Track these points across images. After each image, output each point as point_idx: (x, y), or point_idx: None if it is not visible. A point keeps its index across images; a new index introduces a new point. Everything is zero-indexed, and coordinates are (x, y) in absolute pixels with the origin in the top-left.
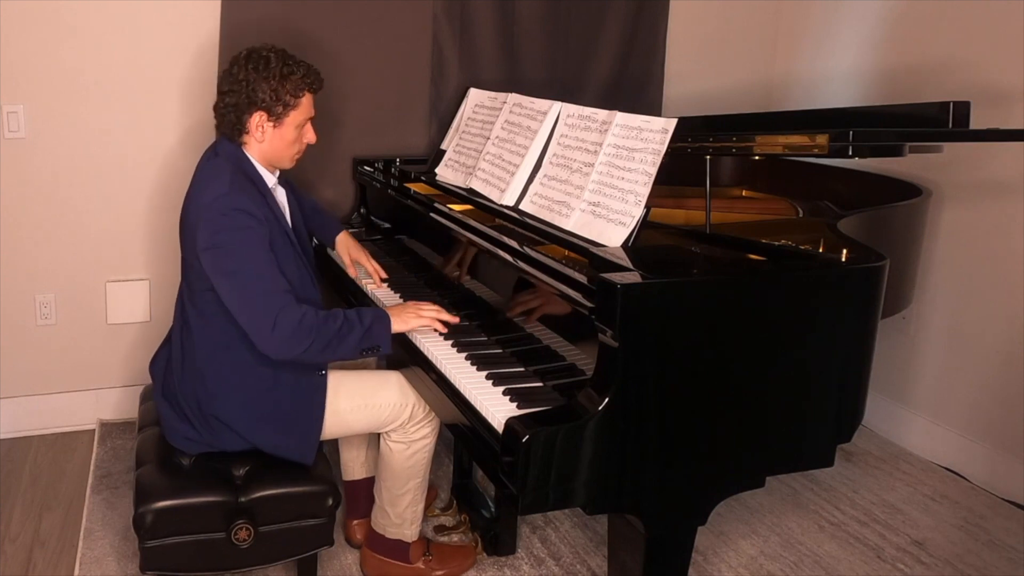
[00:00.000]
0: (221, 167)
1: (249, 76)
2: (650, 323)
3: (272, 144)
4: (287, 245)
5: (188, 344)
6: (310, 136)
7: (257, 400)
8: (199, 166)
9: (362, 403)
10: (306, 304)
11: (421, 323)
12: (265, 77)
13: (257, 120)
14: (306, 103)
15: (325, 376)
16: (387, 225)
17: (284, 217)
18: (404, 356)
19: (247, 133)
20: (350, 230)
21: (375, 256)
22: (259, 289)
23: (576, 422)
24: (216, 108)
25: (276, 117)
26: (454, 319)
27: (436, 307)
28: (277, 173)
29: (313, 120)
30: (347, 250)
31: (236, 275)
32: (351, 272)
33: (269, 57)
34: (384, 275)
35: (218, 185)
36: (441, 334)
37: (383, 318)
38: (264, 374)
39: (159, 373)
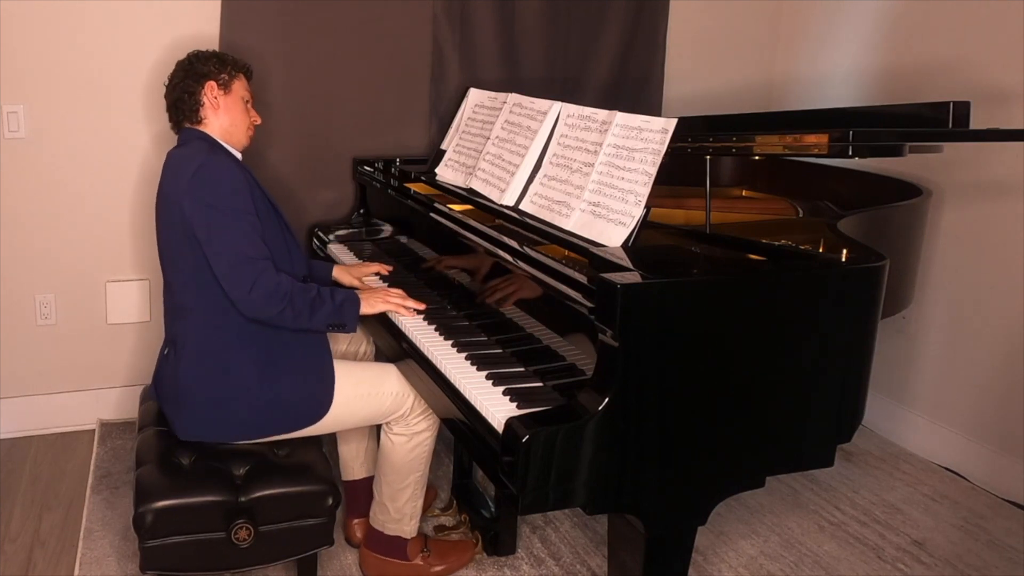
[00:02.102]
0: (193, 148)
1: (190, 64)
2: (650, 323)
3: (228, 113)
4: (270, 212)
5: (187, 330)
6: (256, 116)
7: (269, 351)
8: (168, 159)
9: (365, 391)
10: (287, 274)
11: (387, 307)
12: (203, 60)
13: (208, 91)
14: (244, 82)
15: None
16: (387, 225)
17: (263, 187)
18: (403, 355)
19: (203, 107)
20: (349, 230)
21: (375, 256)
22: (242, 251)
23: (576, 422)
24: (168, 108)
25: (224, 85)
26: (420, 305)
27: (401, 293)
28: (239, 156)
29: (254, 105)
30: (347, 275)
31: (221, 237)
32: (368, 285)
33: (195, 55)
34: (386, 270)
35: (196, 157)
36: (441, 334)
37: (353, 299)
38: (268, 330)
39: (160, 385)
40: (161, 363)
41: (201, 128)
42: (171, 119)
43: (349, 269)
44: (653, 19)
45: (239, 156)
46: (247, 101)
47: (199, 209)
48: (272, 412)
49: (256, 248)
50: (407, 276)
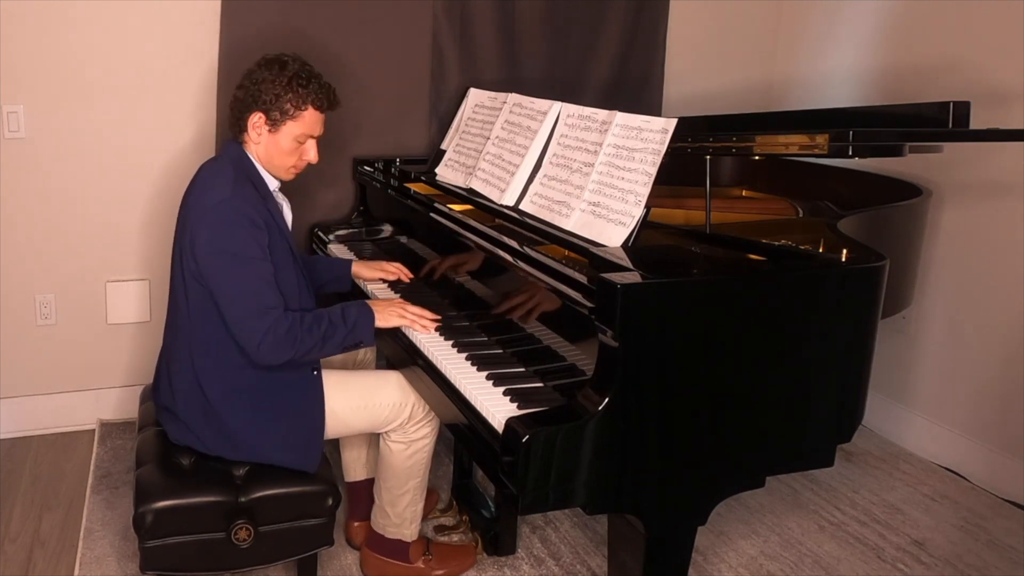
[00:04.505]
0: (223, 168)
1: (263, 75)
2: (650, 323)
3: (267, 149)
4: (286, 251)
5: (183, 349)
6: (310, 155)
7: (260, 402)
8: (200, 171)
9: (362, 403)
10: (298, 311)
11: (403, 323)
12: (274, 80)
13: (255, 120)
14: (309, 118)
15: (319, 375)
16: (387, 225)
17: (284, 223)
18: (404, 356)
19: (245, 132)
20: (349, 230)
21: (376, 257)
22: (253, 302)
23: (576, 422)
24: (230, 104)
25: (273, 123)
26: (436, 317)
27: (420, 309)
28: (278, 182)
29: (319, 140)
30: (367, 269)
31: (233, 284)
32: (385, 280)
33: (287, 63)
34: (408, 274)
35: (220, 188)
36: (441, 335)
37: (367, 314)
38: (261, 375)
39: (157, 395)
40: (159, 371)
41: (244, 147)
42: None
43: (370, 265)
44: (653, 19)
45: (274, 183)
46: (303, 141)
47: (212, 256)
48: (260, 455)
49: (268, 295)
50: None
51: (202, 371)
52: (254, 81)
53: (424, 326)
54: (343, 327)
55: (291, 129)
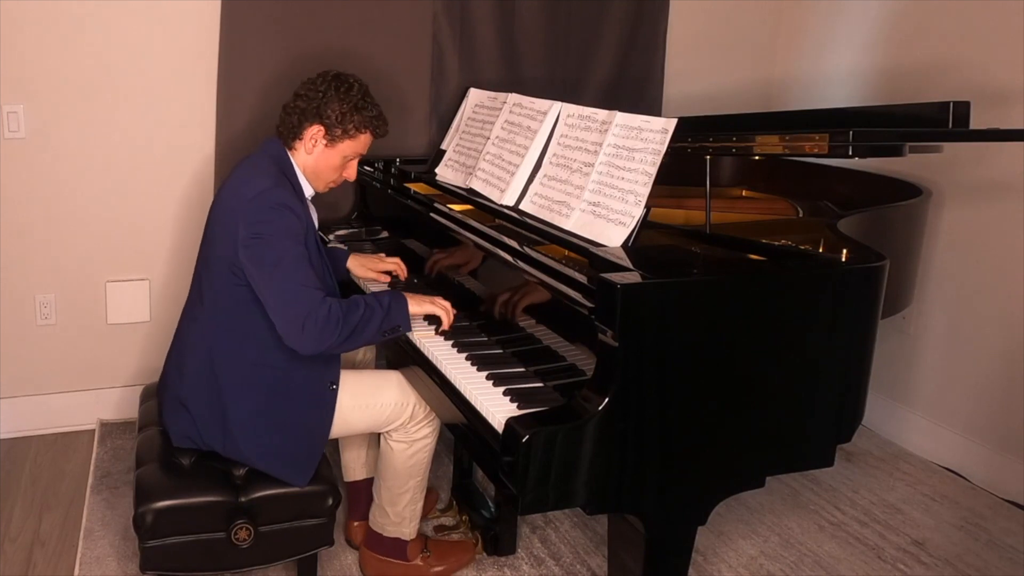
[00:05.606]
0: (265, 164)
1: (328, 91)
2: (650, 323)
3: (317, 161)
4: (316, 252)
5: (200, 341)
6: (350, 172)
7: (268, 404)
8: (239, 165)
9: (364, 402)
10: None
11: (435, 309)
12: (341, 99)
13: (313, 132)
14: (364, 140)
15: (336, 391)
16: (387, 225)
17: (314, 224)
18: (404, 356)
19: (299, 140)
20: (349, 230)
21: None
22: (295, 284)
23: (576, 422)
24: (285, 107)
25: (332, 138)
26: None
27: (447, 303)
28: (312, 192)
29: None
30: (363, 265)
31: (275, 268)
32: (383, 278)
33: (353, 85)
34: (404, 273)
35: (262, 180)
36: (441, 334)
37: (400, 298)
38: (278, 377)
39: (161, 392)
40: (168, 366)
41: (288, 152)
42: (279, 119)
43: (364, 261)
44: (653, 19)
45: (310, 191)
46: (350, 159)
47: (254, 239)
48: (250, 459)
49: (308, 278)
50: (407, 276)
51: (219, 361)
52: (320, 93)
53: (449, 317)
54: (380, 310)
55: (346, 147)
